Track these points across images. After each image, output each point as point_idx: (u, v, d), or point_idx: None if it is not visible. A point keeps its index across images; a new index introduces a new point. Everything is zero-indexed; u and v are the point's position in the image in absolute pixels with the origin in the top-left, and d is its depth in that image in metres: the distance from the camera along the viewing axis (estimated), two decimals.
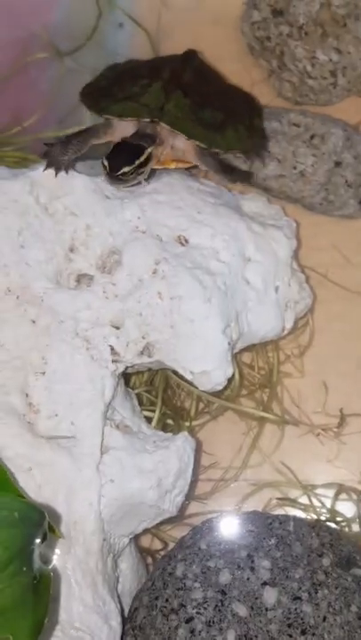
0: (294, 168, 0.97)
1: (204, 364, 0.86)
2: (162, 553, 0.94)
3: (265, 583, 0.80)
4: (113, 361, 0.86)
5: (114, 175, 0.85)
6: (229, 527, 0.86)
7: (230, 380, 0.91)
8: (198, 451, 0.90)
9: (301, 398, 0.99)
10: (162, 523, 0.92)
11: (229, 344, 0.87)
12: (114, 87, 0.93)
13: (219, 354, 0.86)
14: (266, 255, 0.91)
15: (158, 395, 0.94)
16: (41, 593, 0.63)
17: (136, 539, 0.91)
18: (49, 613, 0.62)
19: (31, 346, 0.85)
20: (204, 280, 0.87)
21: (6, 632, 0.57)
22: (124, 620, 0.83)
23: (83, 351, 0.85)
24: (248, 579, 0.80)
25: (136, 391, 0.94)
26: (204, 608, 0.79)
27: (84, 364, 0.84)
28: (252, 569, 0.81)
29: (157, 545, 0.96)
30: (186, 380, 0.88)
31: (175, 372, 0.89)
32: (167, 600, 0.81)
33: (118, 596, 0.84)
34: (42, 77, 1.07)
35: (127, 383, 0.93)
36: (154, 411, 0.94)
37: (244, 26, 1.03)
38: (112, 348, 0.86)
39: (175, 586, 0.82)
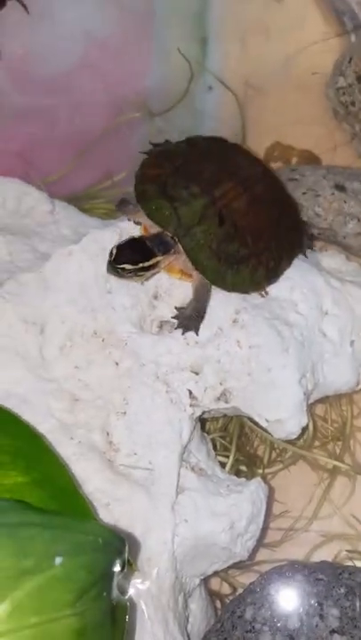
0: None
1: (280, 413, 0.89)
2: (230, 597, 0.95)
3: (333, 631, 0.81)
4: (191, 405, 0.89)
5: (114, 265, 0.86)
6: (299, 574, 0.87)
7: (304, 430, 0.93)
8: (270, 498, 0.92)
9: None
10: (231, 568, 0.94)
11: (305, 394, 0.89)
12: (171, 177, 0.91)
13: (294, 403, 0.89)
14: (343, 309, 0.93)
15: (233, 440, 0.97)
16: (118, 620, 0.65)
17: (206, 581, 0.93)
18: None
19: (114, 387, 0.89)
20: (282, 330, 0.90)
21: None
22: None
23: (162, 394, 0.88)
24: (317, 625, 0.81)
25: (211, 436, 0.96)
26: None
27: (164, 406, 0.88)
28: (321, 616, 0.82)
29: (226, 590, 0.98)
30: (261, 428, 0.91)
31: (250, 419, 0.92)
32: None
33: (188, 636, 0.86)
34: (134, 136, 1.14)
35: (203, 428, 0.96)
36: (227, 456, 0.96)
37: (330, 91, 1.08)
38: (190, 393, 0.89)
39: (244, 628, 0.83)
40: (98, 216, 1.03)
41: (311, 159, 1.11)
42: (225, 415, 0.97)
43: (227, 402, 0.90)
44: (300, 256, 0.96)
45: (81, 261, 0.92)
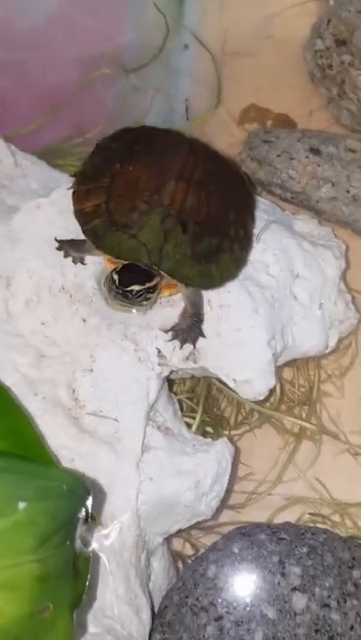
0: (348, 192, 1.00)
1: (248, 373, 0.89)
2: (193, 558, 0.96)
3: (295, 589, 0.81)
4: (159, 364, 0.88)
5: (123, 290, 0.83)
6: (262, 534, 0.87)
7: (271, 393, 0.93)
8: (236, 459, 0.92)
9: (340, 418, 1.01)
10: (194, 529, 0.95)
11: (273, 355, 0.89)
12: (111, 201, 0.86)
13: (263, 364, 0.89)
14: (314, 273, 0.93)
15: (200, 401, 0.96)
16: (81, 571, 0.65)
17: (169, 541, 0.93)
18: (87, 592, 0.64)
19: (81, 344, 0.88)
20: (253, 292, 0.89)
21: (48, 600, 0.59)
22: (153, 617, 0.84)
23: (130, 352, 0.87)
24: (278, 583, 0.82)
25: (178, 397, 0.96)
26: (234, 608, 0.81)
27: (131, 364, 0.87)
28: (283, 574, 0.82)
29: (189, 551, 0.98)
30: (229, 388, 0.90)
31: (218, 380, 0.92)
32: (197, 599, 0.83)
33: (150, 593, 0.85)
34: (107, 93, 1.12)
35: (170, 390, 0.95)
36: (194, 417, 0.96)
37: (307, 54, 1.07)
38: (159, 351, 0.88)
39: (206, 585, 0.83)
40: (68, 172, 1.00)
41: (287, 123, 1.10)
42: (192, 377, 0.96)
43: (195, 362, 0.89)
44: (274, 219, 0.95)
45: (50, 215, 0.91)
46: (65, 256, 0.88)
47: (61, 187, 0.92)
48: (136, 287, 0.83)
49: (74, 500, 0.61)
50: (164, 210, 0.85)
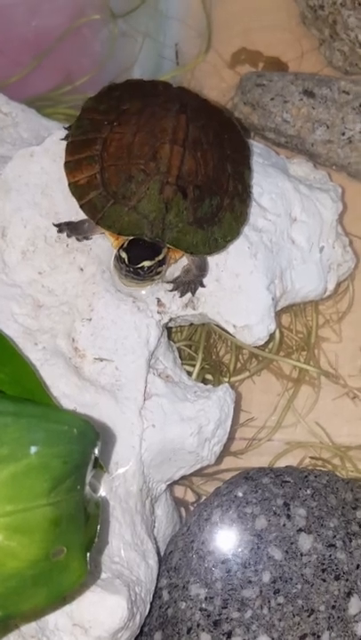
0: (343, 134, 0.98)
1: (248, 318, 0.88)
2: (196, 504, 0.96)
3: (300, 530, 0.82)
4: (158, 312, 0.88)
5: (133, 267, 0.81)
6: (266, 478, 0.87)
7: (270, 338, 0.93)
8: (237, 405, 0.92)
9: (338, 362, 1.01)
10: (196, 476, 0.95)
11: (273, 299, 0.89)
12: (105, 171, 0.83)
13: (262, 308, 0.88)
14: (311, 216, 0.92)
15: (200, 348, 0.96)
16: (91, 515, 0.65)
17: (171, 489, 0.94)
18: (98, 536, 0.64)
19: (79, 293, 0.87)
20: (250, 236, 0.89)
21: (61, 543, 0.59)
22: (160, 562, 0.85)
23: (129, 302, 0.87)
24: (284, 525, 0.82)
25: (177, 345, 0.96)
26: (240, 550, 0.81)
27: (131, 313, 0.86)
28: (288, 516, 0.83)
29: (191, 498, 0.98)
30: (228, 334, 0.90)
31: (218, 326, 0.91)
32: (203, 543, 0.83)
33: (155, 539, 0.86)
34: (95, 39, 1.10)
35: (168, 337, 0.95)
36: (194, 365, 0.96)
37: None
38: (158, 300, 0.88)
39: (211, 530, 0.84)
40: (59, 121, 0.99)
41: (279, 66, 1.08)
42: (191, 324, 0.96)
43: (194, 308, 0.89)
44: (269, 163, 0.94)
45: (43, 163, 0.89)
46: (68, 237, 0.86)
47: (53, 135, 0.90)
48: (147, 263, 0.81)
49: (84, 445, 0.61)
50: (162, 177, 0.82)
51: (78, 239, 0.86)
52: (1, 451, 0.55)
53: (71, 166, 0.85)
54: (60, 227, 0.86)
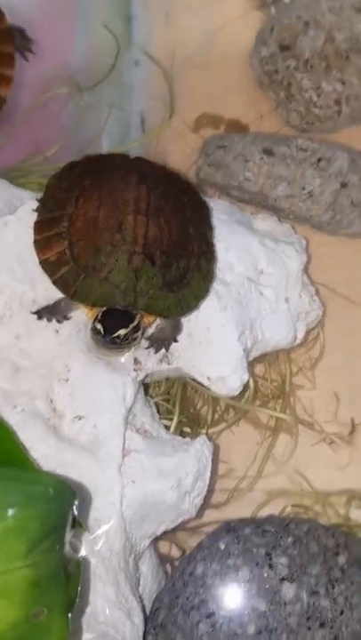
0: (303, 189, 1.02)
1: (221, 370, 0.90)
2: (179, 561, 0.96)
3: (283, 579, 0.83)
4: (134, 369, 0.90)
5: (110, 337, 0.83)
6: (247, 528, 0.88)
7: (245, 388, 0.95)
8: (215, 457, 0.93)
9: (313, 409, 1.02)
10: (179, 531, 0.95)
11: (245, 350, 0.91)
12: (74, 246, 0.86)
13: (235, 360, 0.90)
14: (278, 268, 0.96)
15: (176, 402, 0.97)
16: (72, 575, 0.65)
17: (155, 545, 0.94)
18: (80, 596, 0.65)
19: (55, 355, 0.89)
20: (219, 290, 0.92)
21: (41, 604, 0.60)
22: (146, 620, 0.85)
23: (105, 361, 0.89)
24: (267, 575, 0.83)
25: (154, 400, 0.97)
26: (225, 603, 0.81)
27: (106, 371, 0.88)
28: (271, 566, 0.84)
29: (176, 553, 0.98)
30: (203, 386, 0.92)
31: (193, 379, 0.93)
32: (188, 598, 0.83)
33: (140, 596, 0.86)
34: (63, 111, 1.14)
35: (145, 393, 0.97)
36: (171, 419, 0.97)
37: (254, 61, 1.10)
38: (135, 358, 0.90)
39: (196, 584, 0.84)
40: (31, 190, 1.02)
41: (240, 127, 1.12)
42: (167, 379, 0.98)
43: (169, 363, 0.91)
44: (234, 219, 0.98)
45: (17, 232, 0.92)
46: (48, 321, 0.89)
47: (26, 204, 0.93)
48: (122, 331, 0.83)
49: (61, 504, 0.62)
50: (129, 247, 0.85)
51: (59, 320, 0.89)
52: None
53: (40, 244, 0.88)
54: (39, 313, 0.89)
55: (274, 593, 0.82)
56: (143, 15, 1.18)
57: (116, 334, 0.83)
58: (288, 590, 0.82)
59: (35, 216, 0.90)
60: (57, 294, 0.89)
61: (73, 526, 0.68)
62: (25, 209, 0.93)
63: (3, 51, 0.96)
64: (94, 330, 0.84)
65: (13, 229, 0.92)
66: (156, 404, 0.97)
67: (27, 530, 0.59)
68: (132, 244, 0.85)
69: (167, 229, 0.87)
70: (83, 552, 0.78)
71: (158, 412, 0.96)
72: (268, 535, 0.87)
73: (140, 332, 0.86)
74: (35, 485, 0.61)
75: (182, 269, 0.88)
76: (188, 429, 0.98)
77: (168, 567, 0.97)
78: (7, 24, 1.02)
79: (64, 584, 0.64)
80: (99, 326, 0.84)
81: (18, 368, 0.88)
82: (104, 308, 0.85)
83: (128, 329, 0.84)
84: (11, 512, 0.59)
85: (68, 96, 1.14)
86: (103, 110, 1.14)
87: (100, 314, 0.84)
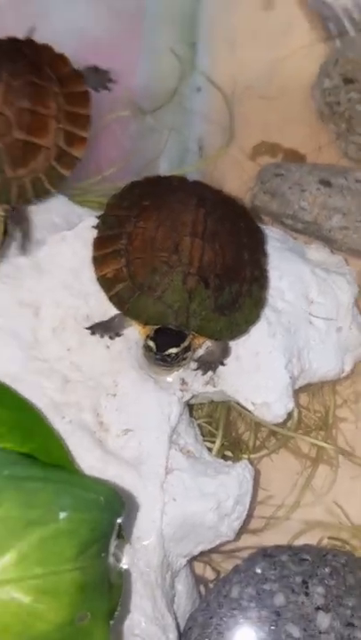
0: (358, 221, 1.03)
1: (266, 396, 0.91)
2: (215, 582, 0.96)
3: (319, 608, 0.83)
4: (181, 389, 0.91)
5: (161, 355, 0.85)
6: (284, 555, 0.88)
7: (289, 417, 0.96)
8: (256, 482, 0.94)
9: (356, 442, 1.02)
10: (214, 553, 0.96)
11: (291, 378, 0.92)
12: (131, 265, 0.88)
13: (281, 387, 0.91)
14: (328, 298, 0.96)
15: (219, 425, 0.98)
16: (114, 584, 0.66)
17: (191, 565, 0.94)
18: (120, 605, 0.66)
19: (105, 369, 0.90)
20: (269, 316, 0.93)
21: (86, 609, 0.61)
22: (179, 638, 0.85)
23: (153, 379, 0.90)
24: (302, 603, 0.83)
25: (198, 421, 0.98)
26: (259, 627, 0.82)
27: (154, 390, 0.90)
28: (307, 594, 0.84)
29: (210, 575, 0.99)
30: (247, 411, 0.93)
31: (237, 403, 0.94)
32: (222, 619, 0.84)
33: (175, 613, 0.86)
34: (124, 133, 1.17)
35: (190, 414, 0.98)
36: (213, 442, 0.98)
37: (316, 92, 1.12)
38: (182, 379, 0.91)
39: (230, 606, 0.84)
40: (89, 208, 1.04)
41: (297, 157, 1.14)
42: (211, 401, 0.99)
43: (215, 386, 0.92)
44: (287, 247, 0.99)
45: (74, 247, 0.94)
46: (101, 337, 0.90)
47: (85, 221, 0.95)
48: (173, 350, 0.85)
49: (110, 513, 0.63)
50: (185, 269, 0.86)
51: (111, 337, 0.90)
52: (31, 514, 0.57)
53: (99, 260, 0.90)
54: (93, 328, 0.90)
55: (309, 621, 0.82)
56: (208, 42, 1.21)
57: (167, 352, 0.85)
58: (323, 620, 0.82)
59: (92, 233, 0.93)
60: (110, 311, 0.91)
61: (118, 537, 0.69)
62: (83, 225, 0.95)
63: (80, 112, 0.97)
64: (146, 347, 0.86)
65: (71, 244, 0.94)
66: (199, 426, 0.98)
67: (77, 533, 0.61)
68: (187, 265, 0.87)
69: (222, 253, 0.89)
70: (124, 563, 0.79)
71: (201, 433, 0.97)
72: (305, 564, 0.87)
73: (190, 353, 0.88)
74: (87, 491, 0.63)
75: (235, 294, 0.89)
76: (229, 453, 0.99)
77: (202, 588, 0.98)
78: (85, 87, 1.00)
79: (107, 592, 0.65)
80: (151, 343, 0.85)
81: (68, 380, 0.89)
82: (157, 327, 0.86)
83: (179, 348, 0.85)
84: (62, 515, 0.60)
85: (130, 118, 1.16)
86: (163, 133, 1.16)
87: (153, 332, 0.86)
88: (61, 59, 0.99)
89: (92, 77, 1.04)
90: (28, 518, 0.57)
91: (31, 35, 1.01)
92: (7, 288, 0.91)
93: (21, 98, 0.92)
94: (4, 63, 0.94)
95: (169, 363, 0.86)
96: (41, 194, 0.93)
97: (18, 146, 0.91)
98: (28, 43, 1.00)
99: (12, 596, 0.57)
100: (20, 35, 1.02)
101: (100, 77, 1.08)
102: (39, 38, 1.05)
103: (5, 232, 0.90)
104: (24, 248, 0.93)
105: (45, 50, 0.99)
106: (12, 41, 1.00)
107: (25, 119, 0.92)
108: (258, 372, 0.91)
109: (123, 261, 0.89)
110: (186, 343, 0.86)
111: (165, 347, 0.85)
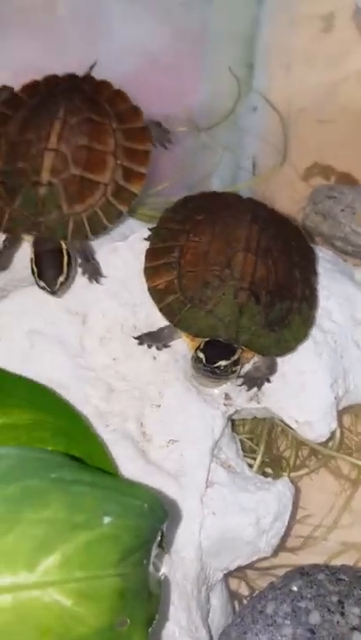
0: None
1: (310, 415, 0.92)
2: (249, 598, 0.97)
3: (354, 628, 0.82)
4: (225, 404, 0.92)
5: (210, 366, 0.85)
6: (321, 574, 0.88)
7: (331, 437, 0.96)
8: (295, 500, 0.94)
9: None
10: (250, 569, 0.96)
11: (335, 398, 0.92)
12: (183, 277, 0.89)
13: (325, 406, 0.92)
14: None
15: (261, 441, 0.99)
16: (153, 593, 0.67)
17: (226, 580, 0.95)
18: (159, 614, 0.66)
19: (150, 380, 0.91)
20: (316, 336, 0.93)
21: (125, 615, 0.62)
22: None
23: (197, 392, 0.91)
24: (338, 622, 0.83)
25: (239, 437, 0.99)
26: None
27: (198, 402, 0.90)
28: (342, 614, 0.83)
29: (244, 591, 0.99)
30: (291, 429, 0.93)
31: (281, 421, 0.95)
32: (256, 634, 0.84)
33: (209, 627, 0.87)
34: (179, 149, 1.18)
35: (232, 429, 0.98)
36: (254, 458, 0.99)
37: None
38: (226, 394, 0.92)
39: (265, 622, 0.84)
40: (141, 220, 1.06)
41: (350, 181, 1.15)
42: (254, 418, 0.99)
43: (259, 402, 0.92)
44: (337, 268, 0.99)
45: (125, 258, 0.96)
46: (148, 347, 0.92)
47: (137, 232, 0.97)
48: (223, 362, 0.86)
49: (153, 521, 0.64)
50: (237, 283, 0.87)
51: (158, 347, 0.92)
52: (77, 518, 0.58)
53: (150, 272, 0.92)
54: (141, 338, 0.92)
55: None
56: (265, 63, 1.22)
57: (216, 364, 0.86)
58: None
59: (144, 245, 0.94)
60: (158, 322, 0.92)
61: (159, 545, 0.70)
62: (136, 237, 0.97)
63: (138, 148, 0.99)
64: (196, 358, 0.87)
65: (122, 255, 0.96)
66: (241, 441, 0.99)
67: (121, 539, 0.61)
68: (239, 280, 0.88)
69: (274, 270, 0.90)
70: (163, 573, 0.80)
71: (242, 449, 0.98)
72: (341, 584, 0.87)
73: (238, 367, 0.88)
74: (132, 498, 0.63)
75: (285, 311, 0.90)
76: (269, 470, 1.00)
77: (235, 604, 0.98)
78: (143, 122, 1.00)
79: (147, 599, 0.66)
80: (201, 355, 0.86)
81: (113, 389, 0.91)
82: (207, 339, 0.87)
83: (229, 361, 0.86)
84: (107, 520, 0.61)
85: (185, 134, 1.18)
86: (217, 151, 1.17)
87: (203, 343, 0.87)
88: (120, 95, 0.99)
89: (155, 131, 1.04)
90: (75, 521, 0.58)
91: (90, 71, 1.02)
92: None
93: (78, 135, 0.93)
94: (62, 100, 0.95)
95: (218, 375, 0.87)
96: (98, 229, 0.93)
97: (75, 182, 0.92)
98: (87, 79, 1.01)
99: (54, 598, 0.58)
100: (82, 60, 1.04)
101: (162, 133, 1.06)
102: (100, 54, 1.08)
103: (69, 264, 0.92)
104: (93, 280, 0.94)
105: (104, 86, 1.00)
106: (71, 77, 1.00)
107: (82, 156, 0.92)
108: (303, 390, 0.92)
109: (175, 274, 0.90)
110: (235, 357, 0.87)
111: (215, 359, 0.86)
